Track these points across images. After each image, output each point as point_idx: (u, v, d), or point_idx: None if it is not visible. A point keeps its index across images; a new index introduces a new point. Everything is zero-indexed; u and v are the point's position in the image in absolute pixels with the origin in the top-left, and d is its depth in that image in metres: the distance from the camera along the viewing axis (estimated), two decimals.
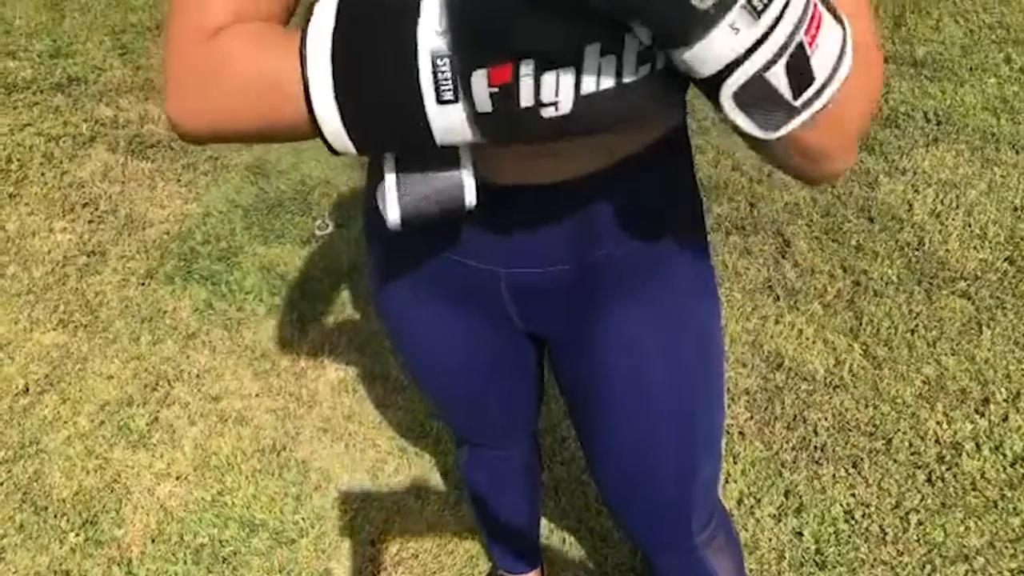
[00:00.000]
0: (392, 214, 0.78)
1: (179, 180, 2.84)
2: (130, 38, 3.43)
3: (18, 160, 2.91)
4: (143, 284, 2.49)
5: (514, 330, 1.16)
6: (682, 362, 1.16)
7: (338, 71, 0.68)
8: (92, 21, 3.52)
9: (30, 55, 3.35)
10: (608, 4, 0.56)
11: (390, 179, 0.77)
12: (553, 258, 1.03)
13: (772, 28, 0.61)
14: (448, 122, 0.67)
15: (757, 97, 0.65)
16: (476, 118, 0.68)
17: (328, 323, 2.39)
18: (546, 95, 0.64)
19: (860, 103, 0.79)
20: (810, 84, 0.65)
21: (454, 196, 0.80)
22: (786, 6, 0.61)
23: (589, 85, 0.63)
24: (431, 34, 0.65)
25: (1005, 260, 2.42)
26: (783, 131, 0.68)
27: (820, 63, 0.65)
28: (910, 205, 2.61)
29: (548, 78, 0.63)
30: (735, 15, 0.60)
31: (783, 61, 0.63)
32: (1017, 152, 2.77)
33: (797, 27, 0.62)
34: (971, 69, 3.10)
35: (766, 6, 0.60)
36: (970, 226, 2.53)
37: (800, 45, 0.63)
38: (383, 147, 0.73)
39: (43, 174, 2.87)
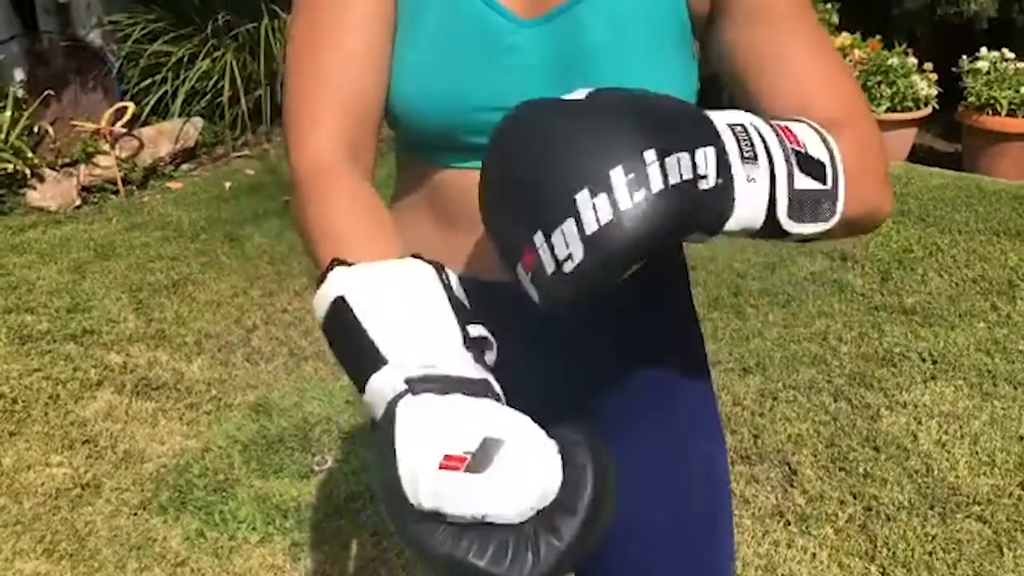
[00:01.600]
0: None
1: (181, 418, 2.85)
2: (146, 295, 3.57)
3: (23, 401, 2.94)
4: (135, 514, 2.43)
5: None
6: (687, 508, 1.12)
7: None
8: (111, 282, 3.68)
9: (48, 310, 3.47)
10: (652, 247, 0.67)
11: None
12: (547, 378, 1.03)
13: (770, 156, 0.71)
14: None
15: (803, 205, 0.74)
16: None
17: (322, 552, 2.30)
18: None
19: (873, 169, 0.86)
20: (823, 168, 0.75)
21: None
22: (762, 137, 0.71)
23: None
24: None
25: (1018, 485, 2.37)
26: (839, 213, 0.76)
27: (816, 151, 0.74)
28: (915, 436, 2.59)
29: None
30: (742, 173, 0.69)
31: (796, 168, 0.72)
32: (1015, 387, 2.79)
33: (781, 142, 0.72)
34: (960, 315, 3.19)
35: (753, 147, 0.70)
36: (977, 454, 2.50)
37: (795, 151, 0.73)
38: None
39: (46, 413, 2.88)
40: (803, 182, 0.71)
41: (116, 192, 4.60)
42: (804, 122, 0.77)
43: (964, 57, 4.39)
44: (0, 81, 4.82)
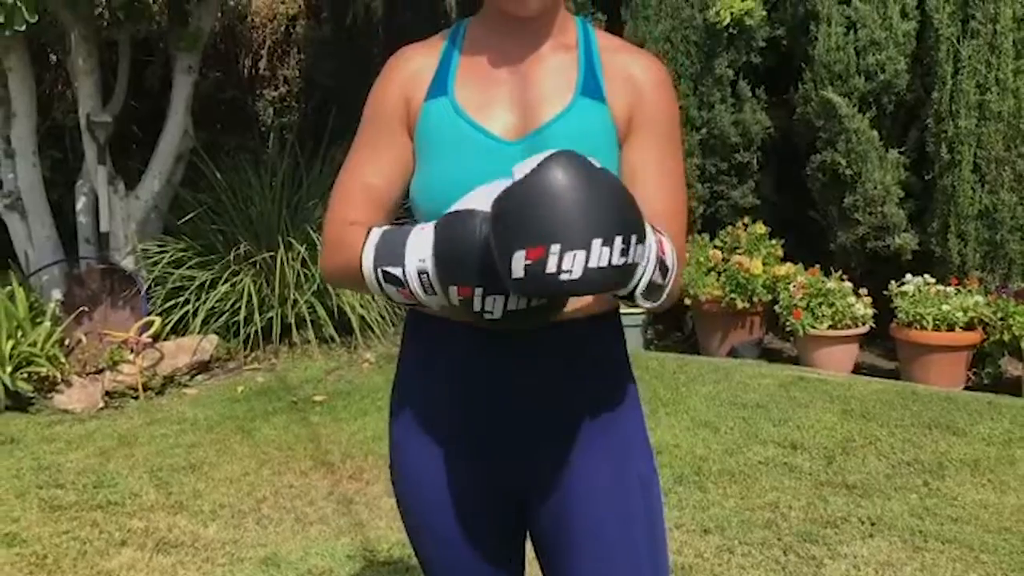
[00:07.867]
0: None
1: (199, 570, 3.15)
2: (166, 474, 3.93)
3: (54, 556, 3.25)
4: None
5: (497, 490, 1.54)
6: (631, 514, 1.54)
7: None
8: (134, 464, 4.06)
9: (76, 486, 3.83)
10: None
11: None
12: (516, 389, 1.47)
13: (647, 259, 1.25)
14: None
15: (650, 291, 1.26)
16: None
17: None
18: None
19: (680, 274, 1.41)
20: (667, 272, 1.27)
21: None
22: (650, 245, 1.24)
23: None
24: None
25: None
26: (664, 300, 1.31)
27: (669, 260, 1.30)
28: None
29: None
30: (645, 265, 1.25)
31: (656, 270, 1.25)
32: (943, 543, 3.16)
33: (658, 252, 1.26)
34: (895, 489, 3.59)
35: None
36: None
37: (659, 259, 1.27)
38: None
39: (75, 566, 3.18)
40: (656, 278, 1.25)
41: (136, 397, 5.04)
42: (667, 236, 1.31)
43: (893, 282, 5.03)
44: (41, 299, 5.39)
